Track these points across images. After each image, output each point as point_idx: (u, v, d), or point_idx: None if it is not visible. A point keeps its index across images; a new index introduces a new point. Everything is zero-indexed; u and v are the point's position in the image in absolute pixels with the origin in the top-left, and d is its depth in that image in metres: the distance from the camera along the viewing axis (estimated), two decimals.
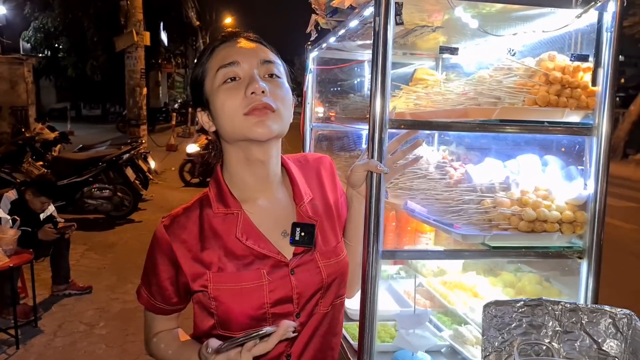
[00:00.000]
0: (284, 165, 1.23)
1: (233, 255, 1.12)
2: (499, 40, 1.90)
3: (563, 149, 1.55)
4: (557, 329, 1.21)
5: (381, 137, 1.23)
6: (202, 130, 1.30)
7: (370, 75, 1.21)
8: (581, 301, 1.35)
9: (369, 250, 1.26)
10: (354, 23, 1.58)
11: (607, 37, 1.29)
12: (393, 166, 1.28)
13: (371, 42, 1.20)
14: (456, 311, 1.66)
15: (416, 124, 1.31)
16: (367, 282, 1.26)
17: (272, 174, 1.18)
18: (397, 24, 1.21)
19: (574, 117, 1.33)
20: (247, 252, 1.12)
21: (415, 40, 2.16)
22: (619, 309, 1.17)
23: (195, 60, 1.18)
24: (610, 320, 1.19)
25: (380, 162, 1.22)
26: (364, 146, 2.44)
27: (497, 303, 1.22)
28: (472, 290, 1.77)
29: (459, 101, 1.52)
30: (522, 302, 1.23)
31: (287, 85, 1.13)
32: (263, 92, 1.05)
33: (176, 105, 25.49)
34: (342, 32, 1.71)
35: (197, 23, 29.51)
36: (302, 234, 1.15)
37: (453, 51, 1.28)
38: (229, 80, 1.08)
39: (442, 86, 1.83)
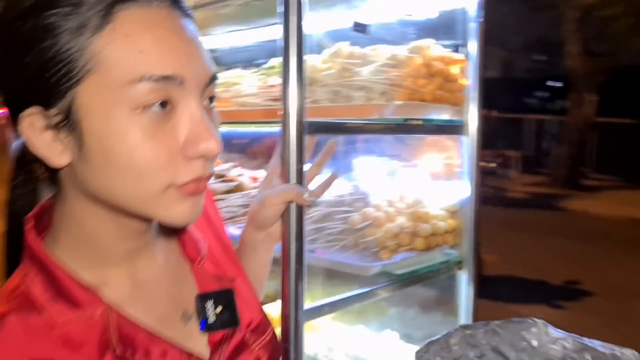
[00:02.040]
0: None
1: None
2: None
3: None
4: (475, 356, 1.08)
5: (301, 148, 0.81)
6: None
7: (283, 53, 0.78)
8: (462, 315, 1.24)
9: (291, 314, 0.84)
10: None
11: (472, 28, 1.18)
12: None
13: None
14: (314, 356, 1.33)
15: (335, 127, 0.93)
16: (291, 357, 0.84)
17: (150, 237, 0.65)
18: None
19: (445, 115, 1.19)
20: None
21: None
22: (529, 319, 1.10)
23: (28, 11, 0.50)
24: (520, 332, 1.11)
25: (302, 186, 0.81)
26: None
27: (428, 345, 1.01)
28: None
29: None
30: (443, 339, 1.05)
31: None
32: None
33: None
34: None
35: None
36: (218, 310, 0.67)
37: (364, 29, 0.95)
38: (154, 106, 0.52)
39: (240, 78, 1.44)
